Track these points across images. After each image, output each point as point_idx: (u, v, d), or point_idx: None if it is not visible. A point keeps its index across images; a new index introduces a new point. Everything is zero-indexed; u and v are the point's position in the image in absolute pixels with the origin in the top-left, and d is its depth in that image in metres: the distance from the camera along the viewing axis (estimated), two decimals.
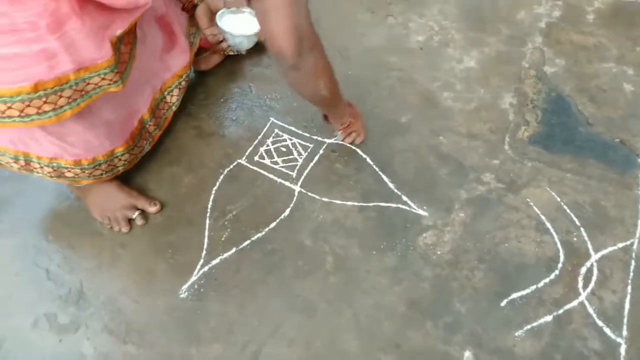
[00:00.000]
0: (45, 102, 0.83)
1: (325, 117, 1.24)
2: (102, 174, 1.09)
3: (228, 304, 1.03)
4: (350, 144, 1.26)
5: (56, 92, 0.84)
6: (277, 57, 0.91)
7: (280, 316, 1.01)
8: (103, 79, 0.89)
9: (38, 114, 0.84)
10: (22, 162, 0.99)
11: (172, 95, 1.20)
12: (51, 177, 1.03)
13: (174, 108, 1.22)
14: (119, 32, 0.89)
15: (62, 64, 0.82)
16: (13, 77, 0.79)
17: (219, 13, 1.24)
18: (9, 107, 0.81)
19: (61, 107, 0.86)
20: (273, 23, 0.85)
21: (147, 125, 1.15)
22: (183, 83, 1.20)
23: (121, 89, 0.93)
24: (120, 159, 1.11)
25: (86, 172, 1.05)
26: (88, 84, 0.88)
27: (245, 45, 1.27)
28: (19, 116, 0.83)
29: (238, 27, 1.24)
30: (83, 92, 0.88)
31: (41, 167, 1.00)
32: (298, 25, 0.86)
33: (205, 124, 1.33)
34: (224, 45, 1.27)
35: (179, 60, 1.18)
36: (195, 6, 1.20)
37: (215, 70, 1.44)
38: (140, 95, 1.10)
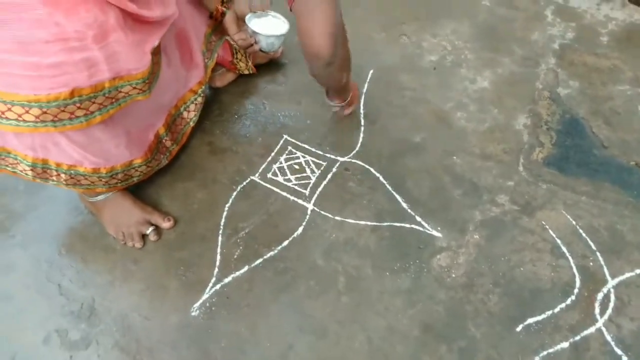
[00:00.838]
0: (78, 108, 0.85)
1: (327, 93, 1.29)
2: (117, 183, 1.10)
3: (239, 323, 1.02)
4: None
5: (90, 99, 0.86)
6: (314, 57, 0.99)
7: (291, 337, 1.00)
8: (134, 88, 0.91)
9: (70, 119, 0.86)
10: (39, 170, 0.99)
11: (188, 111, 1.20)
12: (67, 184, 1.04)
13: (191, 124, 1.22)
14: (156, 43, 0.92)
15: (100, 73, 0.84)
16: (52, 84, 0.80)
17: (247, 17, 1.25)
18: (44, 112, 0.83)
19: (92, 112, 0.88)
20: (313, 25, 0.94)
21: (164, 140, 1.16)
22: (199, 99, 1.21)
23: (147, 97, 0.95)
24: (137, 170, 1.11)
25: (103, 180, 1.06)
26: (119, 92, 0.90)
27: (276, 45, 1.27)
28: (52, 121, 0.85)
29: (267, 28, 1.25)
30: (113, 100, 0.90)
31: (58, 175, 1.01)
32: (335, 25, 0.95)
33: (218, 140, 1.33)
34: (256, 47, 1.27)
35: (194, 75, 1.19)
36: (223, 14, 1.22)
37: (229, 87, 1.45)
38: (157, 108, 1.11)
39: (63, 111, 0.84)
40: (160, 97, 1.07)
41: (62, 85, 0.81)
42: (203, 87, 1.21)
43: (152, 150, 1.13)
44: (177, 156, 1.28)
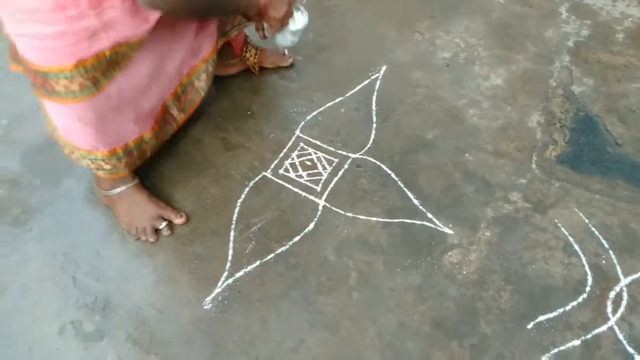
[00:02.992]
0: (85, 79, 0.89)
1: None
2: (135, 161, 1.14)
3: (251, 318, 1.03)
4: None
5: (95, 68, 0.89)
6: None
7: (303, 332, 1.01)
8: (131, 49, 0.94)
9: (81, 90, 0.90)
10: (67, 150, 1.08)
11: (199, 80, 1.21)
12: (90, 168, 1.10)
13: (202, 93, 1.23)
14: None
15: (99, 42, 0.86)
16: (57, 55, 0.83)
17: None
18: (56, 83, 0.87)
19: (99, 80, 0.91)
20: None
21: (171, 109, 1.19)
22: (210, 68, 1.22)
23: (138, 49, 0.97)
24: (148, 144, 1.15)
25: (122, 161, 1.09)
26: (118, 54, 0.92)
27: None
28: (65, 92, 0.89)
29: None
30: (115, 64, 0.93)
31: (83, 158, 1.07)
32: None
33: (231, 136, 1.34)
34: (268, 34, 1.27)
35: (206, 45, 1.19)
36: None
37: (242, 83, 1.46)
38: (166, 78, 1.12)
39: (72, 82, 0.88)
40: (160, 58, 1.06)
41: (66, 57, 0.84)
42: (214, 56, 1.22)
43: (159, 122, 1.15)
44: (190, 152, 1.30)
